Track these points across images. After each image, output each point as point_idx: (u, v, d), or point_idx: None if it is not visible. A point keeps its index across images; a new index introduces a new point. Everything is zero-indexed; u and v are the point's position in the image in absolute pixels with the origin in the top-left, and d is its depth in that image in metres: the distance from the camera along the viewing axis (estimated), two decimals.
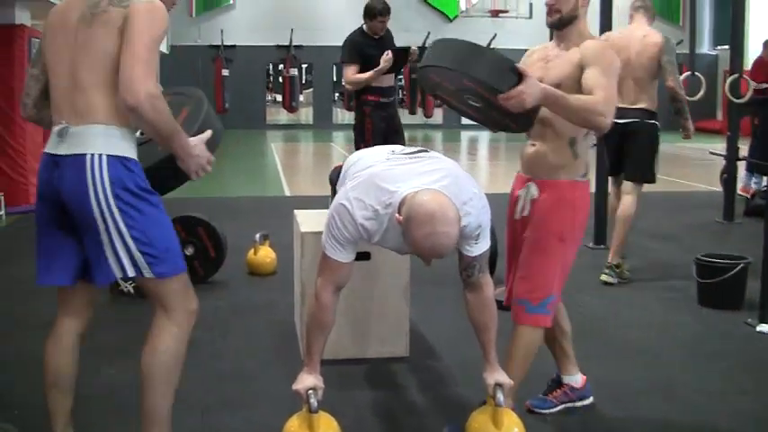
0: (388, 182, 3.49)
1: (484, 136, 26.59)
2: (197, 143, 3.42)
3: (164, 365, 3.46)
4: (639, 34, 7.26)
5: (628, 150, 7.35)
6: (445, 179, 3.49)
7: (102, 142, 3.28)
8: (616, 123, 6.97)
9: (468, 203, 3.51)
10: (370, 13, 8.03)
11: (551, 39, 4.13)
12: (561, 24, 3.96)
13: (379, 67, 7.71)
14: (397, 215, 3.39)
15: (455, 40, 3.67)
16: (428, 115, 28.47)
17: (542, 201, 3.99)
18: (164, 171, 3.69)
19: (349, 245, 3.59)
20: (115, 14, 3.27)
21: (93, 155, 3.27)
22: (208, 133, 3.56)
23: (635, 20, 7.48)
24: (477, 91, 3.56)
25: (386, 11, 7.95)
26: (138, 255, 3.34)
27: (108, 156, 3.27)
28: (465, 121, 28.94)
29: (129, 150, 3.34)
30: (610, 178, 7.85)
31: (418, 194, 3.35)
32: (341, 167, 4.25)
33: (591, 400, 4.46)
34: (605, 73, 3.76)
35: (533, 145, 4.02)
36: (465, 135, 27.32)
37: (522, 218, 4.05)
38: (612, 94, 3.77)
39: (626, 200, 7.33)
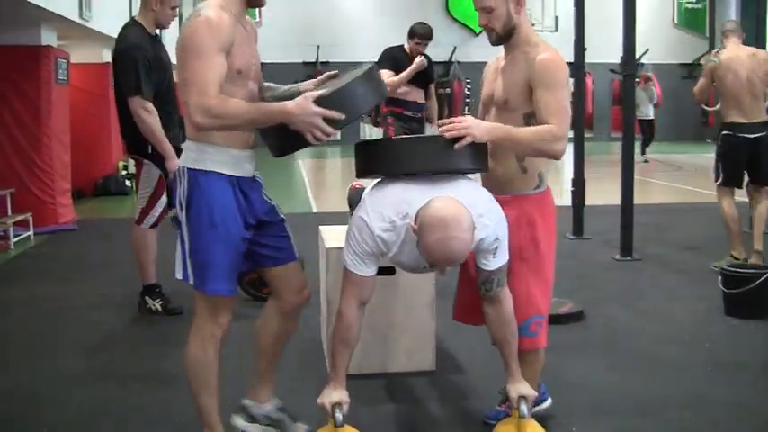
0: (406, 194, 3.51)
1: None
2: (300, 103, 3.40)
3: (187, 368, 3.78)
4: (746, 53, 7.80)
5: (759, 161, 7.78)
6: (461, 191, 3.51)
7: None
8: (747, 138, 7.33)
9: (486, 216, 3.52)
10: (410, 34, 8.30)
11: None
12: (501, 40, 3.94)
13: (411, 68, 7.84)
14: (411, 224, 3.40)
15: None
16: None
17: (516, 217, 3.92)
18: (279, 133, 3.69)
19: (369, 258, 3.60)
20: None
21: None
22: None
23: (731, 41, 8.01)
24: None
25: (425, 36, 8.22)
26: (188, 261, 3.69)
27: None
28: None
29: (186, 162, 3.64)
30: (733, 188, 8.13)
31: (432, 201, 3.37)
32: (358, 187, 4.25)
33: (550, 401, 4.42)
34: (555, 92, 3.75)
35: (495, 161, 3.94)
36: None
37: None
38: (565, 114, 3.77)
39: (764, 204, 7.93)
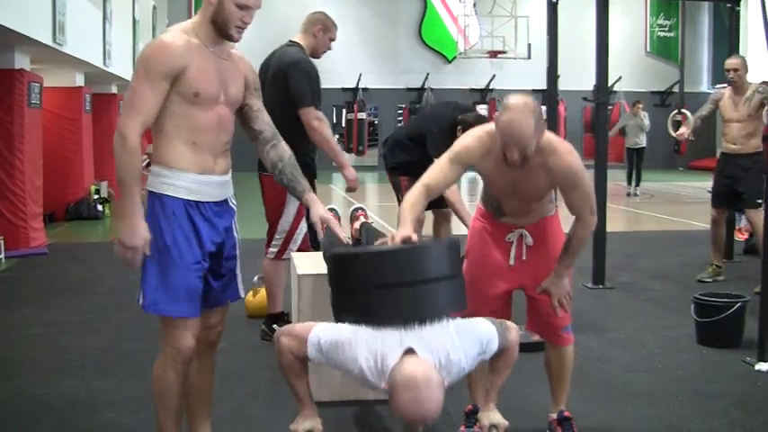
0: (383, 343, 3.46)
1: None
2: (137, 230, 3.54)
3: (153, 388, 3.82)
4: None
5: None
6: (437, 342, 3.49)
7: None
8: None
9: (463, 356, 3.54)
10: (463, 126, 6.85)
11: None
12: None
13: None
14: (383, 384, 3.41)
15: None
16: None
17: (540, 240, 4.26)
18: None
19: (321, 364, 3.62)
20: None
21: None
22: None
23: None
24: None
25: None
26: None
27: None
28: None
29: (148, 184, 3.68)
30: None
31: (403, 364, 3.36)
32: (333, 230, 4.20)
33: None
34: (584, 187, 4.07)
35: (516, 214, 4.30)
36: None
37: (519, 262, 4.18)
38: (593, 199, 4.14)
39: None
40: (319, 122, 5.96)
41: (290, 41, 6.37)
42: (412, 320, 3.49)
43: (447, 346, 3.48)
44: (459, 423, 4.56)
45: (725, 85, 8.70)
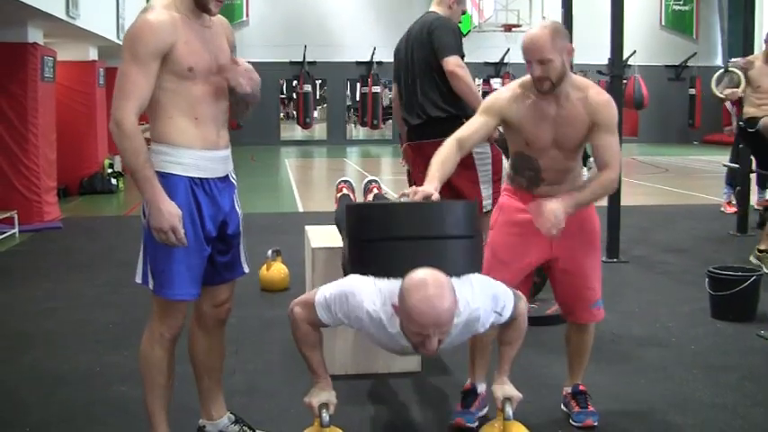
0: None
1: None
2: (170, 209, 3.46)
3: (139, 367, 3.85)
4: None
5: None
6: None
7: None
8: None
9: (477, 300, 3.52)
10: None
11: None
12: (553, 89, 3.97)
13: None
14: (393, 304, 3.37)
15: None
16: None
17: (575, 213, 4.06)
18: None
19: (335, 322, 3.59)
20: None
21: None
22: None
23: None
24: None
25: None
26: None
27: None
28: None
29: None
30: None
31: (411, 273, 3.32)
32: (344, 201, 4.20)
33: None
34: (615, 135, 3.99)
35: (550, 185, 4.16)
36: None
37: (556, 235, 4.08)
38: (619, 156, 4.05)
39: None
40: (463, 70, 5.83)
41: (428, 11, 6.29)
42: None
43: (466, 296, 3.46)
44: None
45: (738, 58, 8.63)
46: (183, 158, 3.56)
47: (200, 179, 3.61)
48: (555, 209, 3.80)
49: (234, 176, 3.87)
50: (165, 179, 3.52)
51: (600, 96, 3.99)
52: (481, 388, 4.44)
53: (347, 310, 3.48)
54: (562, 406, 4.55)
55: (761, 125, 8.07)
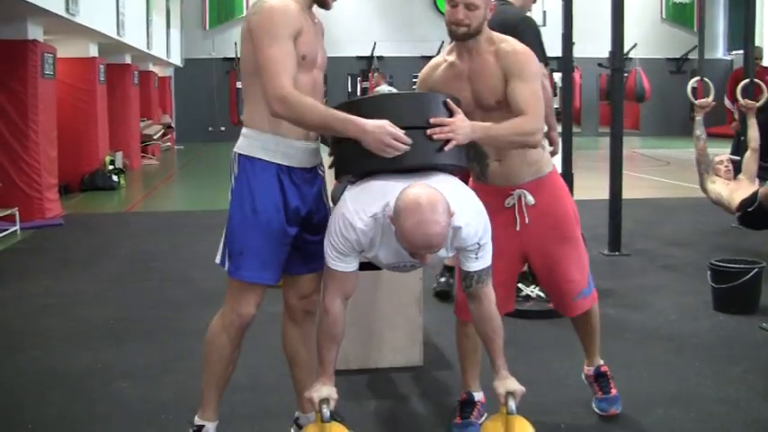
0: (386, 187, 3.46)
1: None
2: (377, 122, 3.43)
3: (204, 347, 3.89)
4: None
5: None
6: (440, 186, 3.45)
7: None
8: None
9: (465, 213, 3.47)
10: None
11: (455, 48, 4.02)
12: (468, 37, 3.89)
13: None
14: (388, 212, 3.38)
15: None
16: None
17: (541, 201, 4.05)
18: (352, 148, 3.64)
19: (351, 253, 3.57)
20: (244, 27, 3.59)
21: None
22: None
23: None
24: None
25: None
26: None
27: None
28: None
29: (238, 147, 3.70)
30: None
31: (408, 188, 3.33)
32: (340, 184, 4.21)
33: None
34: (531, 83, 3.81)
35: (498, 160, 4.05)
36: None
37: (523, 227, 4.06)
38: (540, 104, 3.82)
39: None
40: (546, 79, 5.82)
41: (501, 1, 6.21)
42: (415, 162, 3.50)
43: (455, 194, 3.48)
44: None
45: (741, 51, 8.66)
46: (273, 145, 3.62)
47: (288, 167, 3.65)
48: (464, 121, 3.60)
49: (322, 169, 3.89)
50: (252, 164, 3.62)
51: (510, 46, 3.90)
52: (478, 396, 4.37)
53: (349, 237, 3.50)
54: (584, 380, 4.56)
55: None
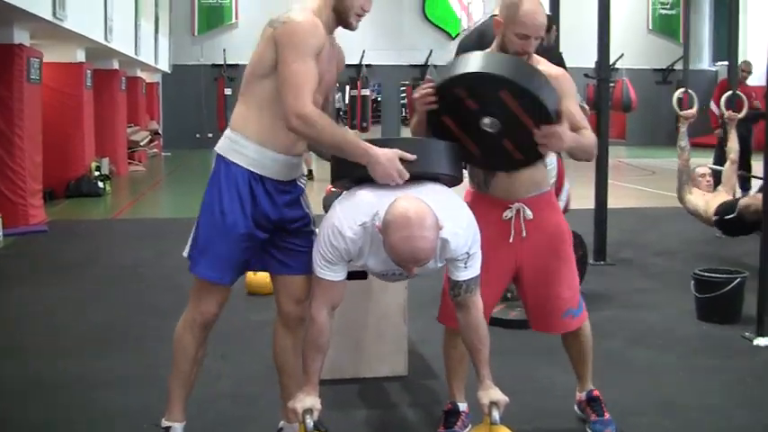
0: (376, 197, 3.49)
1: None
2: (389, 155, 3.51)
3: (173, 348, 3.91)
4: None
5: None
6: (431, 197, 3.47)
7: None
8: None
9: (454, 224, 3.49)
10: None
11: None
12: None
13: None
14: (376, 224, 3.40)
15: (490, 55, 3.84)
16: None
17: (539, 217, 4.07)
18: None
19: (339, 263, 3.58)
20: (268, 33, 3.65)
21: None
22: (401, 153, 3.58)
23: None
24: (513, 112, 3.66)
25: None
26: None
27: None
28: None
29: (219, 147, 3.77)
30: None
31: (397, 200, 3.36)
32: (334, 191, 4.23)
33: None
34: (573, 100, 3.96)
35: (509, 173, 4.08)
36: None
37: (518, 240, 4.07)
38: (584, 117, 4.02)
39: None
40: None
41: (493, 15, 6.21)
42: (410, 170, 3.54)
43: (445, 204, 3.52)
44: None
45: (725, 62, 8.72)
46: (251, 153, 3.65)
47: (260, 176, 3.68)
48: (566, 130, 3.75)
49: (302, 181, 3.93)
50: (228, 166, 3.67)
51: (557, 69, 3.99)
52: (463, 406, 4.35)
53: (338, 246, 3.53)
54: (576, 409, 4.52)
55: None
